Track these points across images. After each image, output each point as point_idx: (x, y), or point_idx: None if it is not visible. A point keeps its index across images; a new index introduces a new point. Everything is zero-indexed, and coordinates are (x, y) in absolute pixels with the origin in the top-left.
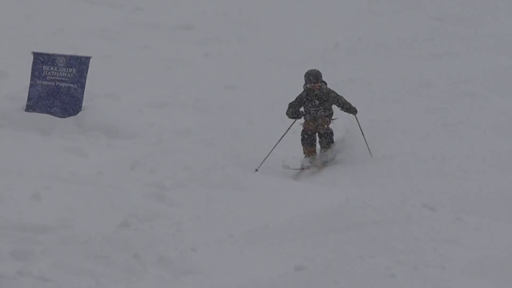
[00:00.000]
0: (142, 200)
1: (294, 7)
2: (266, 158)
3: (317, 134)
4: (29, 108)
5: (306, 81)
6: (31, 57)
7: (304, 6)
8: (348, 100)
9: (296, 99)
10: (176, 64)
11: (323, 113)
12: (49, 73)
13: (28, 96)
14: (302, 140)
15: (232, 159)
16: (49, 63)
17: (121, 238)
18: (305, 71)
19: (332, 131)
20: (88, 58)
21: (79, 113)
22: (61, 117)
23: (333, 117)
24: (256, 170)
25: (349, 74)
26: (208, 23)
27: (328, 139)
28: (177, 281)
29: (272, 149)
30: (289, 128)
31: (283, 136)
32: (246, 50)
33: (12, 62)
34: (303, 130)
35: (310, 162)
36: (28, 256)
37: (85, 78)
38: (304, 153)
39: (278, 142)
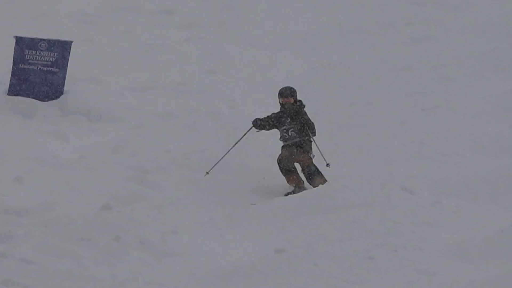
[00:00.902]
0: (123, 183)
1: None
2: (219, 161)
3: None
4: (11, 92)
5: (279, 97)
6: (13, 41)
7: None
8: (315, 127)
9: (271, 116)
10: (157, 49)
11: (295, 135)
12: (31, 57)
13: (10, 80)
14: (280, 169)
15: (212, 142)
16: (31, 47)
17: (103, 221)
18: (280, 89)
19: (315, 165)
20: (69, 42)
21: (61, 97)
22: (43, 100)
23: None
24: (207, 173)
25: (328, 58)
26: (188, 7)
27: (313, 170)
28: (158, 263)
29: (225, 154)
30: (243, 136)
31: (236, 142)
32: (226, 35)
33: None
34: (278, 158)
35: (297, 188)
36: (11, 238)
37: (67, 62)
38: (288, 181)
39: (231, 148)
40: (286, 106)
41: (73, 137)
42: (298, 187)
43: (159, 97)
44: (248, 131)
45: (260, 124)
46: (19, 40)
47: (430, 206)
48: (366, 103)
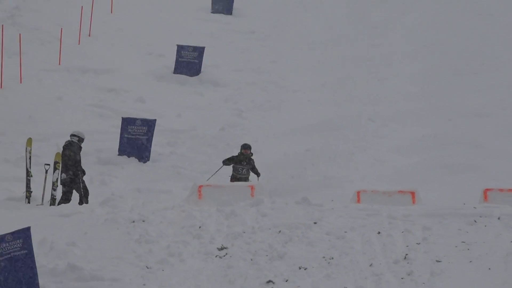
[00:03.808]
0: (230, 117)
1: (307, 13)
2: (210, 177)
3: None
4: (176, 71)
5: (241, 148)
6: (175, 47)
7: (311, 11)
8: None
9: (233, 157)
10: (246, 51)
11: (245, 173)
12: (185, 55)
13: (175, 67)
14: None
15: (274, 98)
16: (184, 50)
17: (220, 136)
18: (243, 143)
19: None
20: (203, 48)
21: (199, 74)
22: (190, 76)
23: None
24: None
25: (339, 32)
26: (263, 29)
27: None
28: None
29: (212, 176)
30: (217, 171)
31: (213, 174)
32: (281, 41)
33: (166, 49)
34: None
35: None
36: (175, 144)
37: (202, 57)
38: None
39: (213, 174)
40: (245, 155)
41: (205, 94)
42: None
43: (248, 74)
44: (219, 169)
45: (227, 163)
46: (179, 47)
47: (382, 127)
48: (365, 58)
